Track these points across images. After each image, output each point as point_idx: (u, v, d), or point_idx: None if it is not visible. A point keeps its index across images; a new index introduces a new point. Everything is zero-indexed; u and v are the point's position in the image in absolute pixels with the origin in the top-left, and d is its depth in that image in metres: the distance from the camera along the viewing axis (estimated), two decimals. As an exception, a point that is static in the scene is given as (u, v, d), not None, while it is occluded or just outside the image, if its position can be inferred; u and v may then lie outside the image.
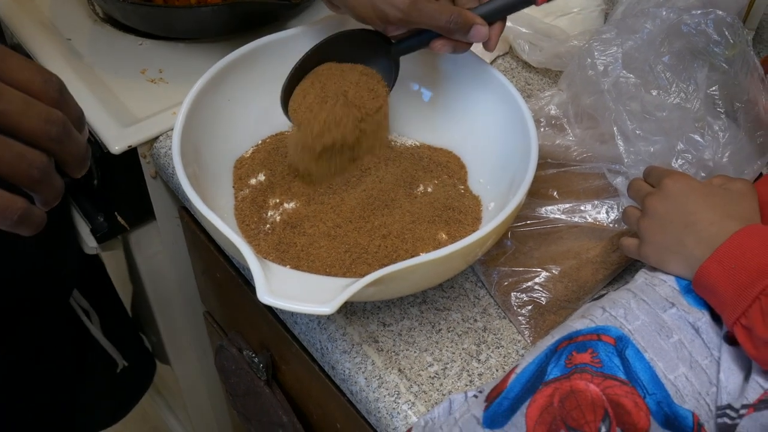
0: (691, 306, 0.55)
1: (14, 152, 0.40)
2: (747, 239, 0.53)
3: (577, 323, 0.56)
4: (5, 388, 0.80)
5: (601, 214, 0.70)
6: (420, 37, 0.67)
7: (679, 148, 0.66)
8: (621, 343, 0.53)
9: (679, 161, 0.67)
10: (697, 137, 0.66)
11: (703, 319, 0.54)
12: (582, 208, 0.70)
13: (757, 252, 0.52)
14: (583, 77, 0.71)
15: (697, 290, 0.55)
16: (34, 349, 0.81)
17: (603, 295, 0.60)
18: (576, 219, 0.70)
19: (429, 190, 0.70)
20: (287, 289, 0.54)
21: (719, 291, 0.52)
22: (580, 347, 0.54)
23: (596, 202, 0.70)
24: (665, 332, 0.53)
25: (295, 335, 0.71)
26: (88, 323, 0.87)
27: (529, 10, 0.94)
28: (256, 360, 0.84)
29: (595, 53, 0.70)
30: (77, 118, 0.44)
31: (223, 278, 0.85)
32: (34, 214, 0.42)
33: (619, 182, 0.69)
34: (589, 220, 0.70)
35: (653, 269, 0.59)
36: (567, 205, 0.70)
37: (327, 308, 0.52)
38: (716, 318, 0.55)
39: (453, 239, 0.66)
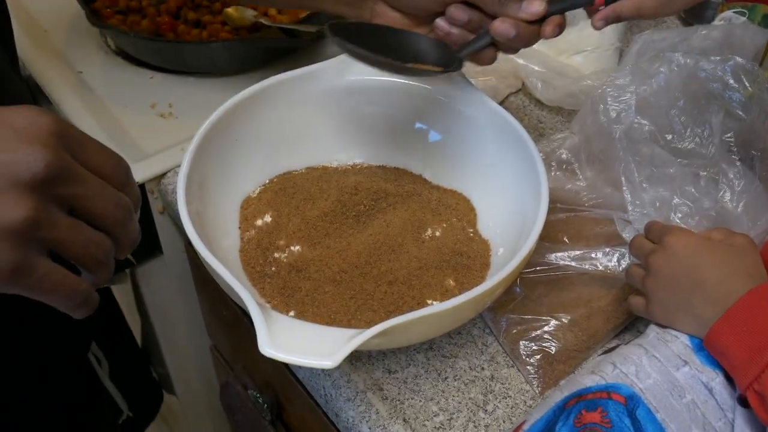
0: (704, 365, 0.53)
1: (85, 236, 0.40)
2: (758, 301, 0.51)
3: (586, 379, 0.54)
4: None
5: (612, 261, 0.68)
6: (480, 39, 0.64)
7: (676, 201, 0.65)
8: (632, 403, 0.51)
9: (679, 214, 0.66)
10: (692, 190, 0.65)
11: (716, 379, 0.53)
12: (593, 255, 0.68)
13: None
14: (595, 122, 0.70)
15: (708, 350, 0.54)
16: (46, 395, 0.80)
17: (614, 348, 0.59)
18: (586, 266, 0.68)
19: (437, 234, 0.69)
20: (289, 341, 0.53)
21: (731, 355, 0.51)
22: (589, 405, 0.52)
23: (607, 249, 0.68)
24: (678, 392, 0.52)
25: (299, 379, 0.70)
26: (99, 371, 0.87)
27: (543, 48, 0.93)
28: (260, 400, 0.83)
29: (608, 99, 0.69)
30: (137, 201, 0.45)
31: (228, 316, 0.84)
32: (93, 298, 0.42)
33: (628, 233, 0.67)
34: (600, 267, 0.68)
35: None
36: (577, 252, 0.69)
37: (329, 362, 0.51)
38: (730, 377, 0.53)
39: (461, 285, 0.65)
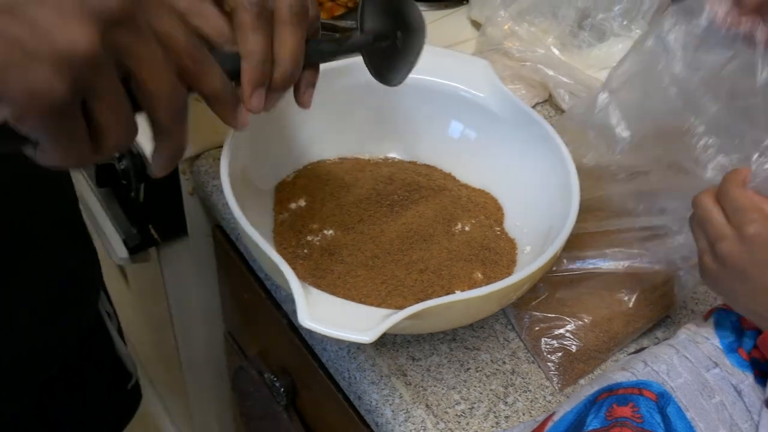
0: (735, 367, 0.55)
1: (167, 75, 0.39)
2: None
3: (617, 375, 0.56)
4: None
5: (636, 264, 0.70)
6: None
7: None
8: (663, 400, 0.53)
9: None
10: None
11: (746, 381, 0.54)
12: (617, 255, 0.70)
13: None
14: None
15: (762, 347, 0.54)
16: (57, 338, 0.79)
17: (642, 349, 0.60)
18: (610, 266, 0.70)
19: (466, 228, 0.71)
20: (328, 315, 0.54)
21: None
22: (620, 400, 0.53)
23: (635, 251, 0.70)
24: (707, 392, 0.53)
25: (323, 362, 0.71)
26: (110, 327, 0.85)
27: (571, 60, 0.95)
28: (277, 384, 0.84)
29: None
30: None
31: (250, 300, 0.85)
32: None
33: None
34: (623, 268, 0.70)
35: (696, 326, 0.59)
36: (602, 252, 0.70)
37: (366, 336, 0.53)
38: (759, 381, 0.55)
39: (488, 279, 0.67)
